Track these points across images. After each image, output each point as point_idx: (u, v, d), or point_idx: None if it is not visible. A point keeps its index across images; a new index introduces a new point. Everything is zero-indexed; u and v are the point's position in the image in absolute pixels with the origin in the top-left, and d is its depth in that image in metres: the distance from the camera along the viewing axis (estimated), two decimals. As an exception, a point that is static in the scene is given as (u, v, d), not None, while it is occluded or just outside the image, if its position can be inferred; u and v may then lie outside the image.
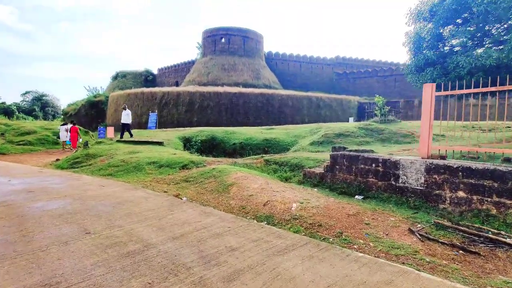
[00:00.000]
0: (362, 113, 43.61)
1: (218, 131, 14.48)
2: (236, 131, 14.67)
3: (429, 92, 4.59)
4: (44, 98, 78.19)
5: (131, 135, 13.08)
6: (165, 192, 6.22)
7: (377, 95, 17.47)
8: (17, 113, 60.22)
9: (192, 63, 58.01)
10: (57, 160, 11.13)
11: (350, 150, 9.47)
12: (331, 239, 3.47)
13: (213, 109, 32.34)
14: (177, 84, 55.82)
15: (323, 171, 6.15)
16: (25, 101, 76.76)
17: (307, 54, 57.57)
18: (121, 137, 13.00)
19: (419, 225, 3.82)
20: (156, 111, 19.83)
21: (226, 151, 13.42)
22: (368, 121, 16.56)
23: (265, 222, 4.15)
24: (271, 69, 51.11)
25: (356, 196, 5.21)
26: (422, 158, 4.71)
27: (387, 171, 4.99)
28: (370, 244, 3.30)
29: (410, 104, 43.63)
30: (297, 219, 4.08)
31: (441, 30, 10.01)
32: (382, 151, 9.25)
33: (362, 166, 5.35)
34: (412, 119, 32.61)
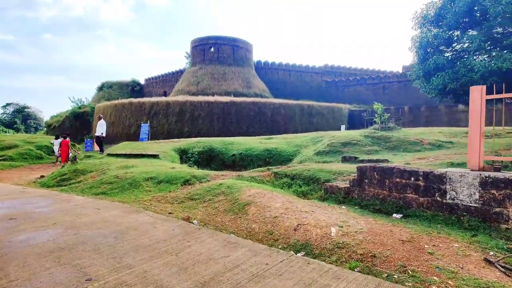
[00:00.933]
0: (353, 121, 43.63)
1: (216, 142, 13.75)
2: (234, 142, 13.97)
3: (478, 95, 4.05)
4: (26, 110, 75.58)
5: (102, 151, 12.06)
6: (170, 213, 5.45)
7: (376, 103, 17.16)
8: (-4, 126, 57.76)
9: (180, 72, 57.22)
10: (42, 177, 10.13)
11: (363, 160, 8.93)
12: (396, 276, 2.80)
13: (205, 118, 31.56)
14: (165, 94, 54.85)
15: (348, 186, 5.51)
16: (6, 113, 73.99)
17: (296, 63, 57.73)
18: (101, 151, 12.03)
19: (491, 253, 3.20)
20: (148, 122, 18.85)
21: (225, 163, 12.68)
22: (369, 129, 16.18)
23: (303, 253, 3.46)
24: (261, 78, 50.87)
25: (394, 215, 4.59)
26: (472, 170, 4.14)
27: (430, 185, 4.39)
28: (449, 282, 2.65)
29: (401, 112, 44.01)
30: (342, 248, 3.40)
31: (451, 34, 9.70)
32: (396, 160, 8.74)
33: (398, 180, 4.75)
34: (403, 126, 32.71)
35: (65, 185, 8.50)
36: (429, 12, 10.43)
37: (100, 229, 4.08)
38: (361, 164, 5.45)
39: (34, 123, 76.40)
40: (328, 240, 3.59)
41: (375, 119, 16.69)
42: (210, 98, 32.83)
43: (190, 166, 10.19)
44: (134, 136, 28.77)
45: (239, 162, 12.52)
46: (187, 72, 46.70)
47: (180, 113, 31.66)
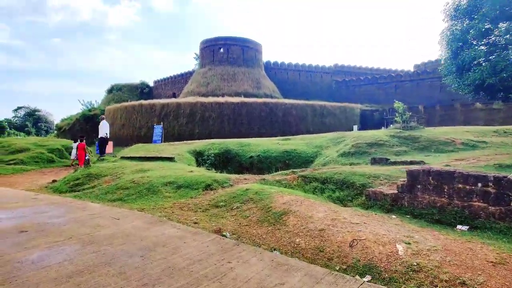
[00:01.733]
0: (365, 121, 42.71)
1: (232, 143, 13.20)
2: (251, 143, 13.41)
3: None
4: (36, 113, 76.40)
5: (103, 153, 11.50)
6: (195, 223, 4.90)
7: (397, 101, 16.40)
8: (8, 129, 58.36)
9: (189, 74, 57.01)
10: (54, 181, 9.72)
11: (395, 162, 8.26)
12: (506, 314, 2.18)
13: (215, 120, 31.09)
14: (174, 96, 54.67)
15: (396, 192, 4.88)
16: (17, 117, 74.86)
17: (305, 63, 57.00)
18: (102, 154, 11.50)
19: None
20: (161, 123, 18.42)
21: (243, 165, 12.13)
22: (390, 128, 15.44)
23: (369, 277, 2.85)
24: (270, 79, 50.28)
25: (459, 227, 3.95)
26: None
27: (504, 192, 3.75)
28: None
29: (414, 111, 42.91)
30: (418, 271, 2.79)
31: (488, 25, 8.98)
32: (433, 162, 8.05)
33: (461, 185, 4.11)
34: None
35: (78, 191, 8.04)
36: (462, 2, 9.72)
37: (123, 245, 3.54)
38: (411, 167, 4.81)
39: (44, 126, 77.17)
40: (398, 261, 2.97)
41: (395, 118, 15.94)
42: (221, 99, 32.38)
43: (208, 169, 9.66)
44: (145, 138, 28.46)
45: (257, 164, 11.95)
46: (197, 73, 46.40)
47: (190, 114, 31.27)
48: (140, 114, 33.85)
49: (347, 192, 6.17)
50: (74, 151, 14.33)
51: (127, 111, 35.40)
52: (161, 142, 16.40)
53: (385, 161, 8.35)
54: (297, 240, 3.75)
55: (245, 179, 7.77)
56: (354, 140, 11.34)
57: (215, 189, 6.99)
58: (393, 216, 4.49)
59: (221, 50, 45.26)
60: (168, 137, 28.79)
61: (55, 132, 60.93)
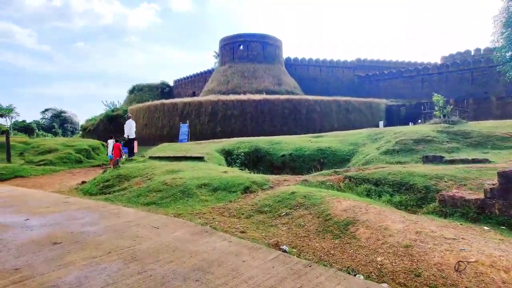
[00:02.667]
0: (390, 116, 41.00)
1: (261, 142, 12.59)
2: (281, 141, 12.75)
3: None
4: (62, 115, 78.88)
5: (132, 154, 11.16)
6: (242, 232, 4.32)
7: (436, 94, 15.22)
8: (37, 130, 60.49)
9: (208, 72, 56.95)
10: (83, 182, 9.46)
11: (453, 160, 7.35)
12: None
13: (237, 118, 30.64)
14: (194, 95, 54.76)
15: (482, 198, 4.09)
16: (45, 118, 77.58)
17: (326, 58, 55.56)
18: (131, 155, 11.16)
19: None
20: (187, 121, 18.09)
21: (274, 164, 11.49)
22: (429, 124, 14.32)
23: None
24: (290, 75, 49.30)
25: None
26: None
27: None
28: None
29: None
30: None
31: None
32: (499, 160, 7.11)
33: None
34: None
35: (109, 193, 7.67)
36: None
37: (171, 264, 2.98)
38: (505, 169, 3.99)
39: (70, 127, 79.58)
40: (537, 296, 2.24)
41: (435, 113, 14.80)
42: (243, 97, 31.88)
43: (241, 169, 9.08)
44: (167, 138, 28.39)
45: (289, 163, 11.29)
46: (217, 72, 46.16)
47: (212, 113, 30.97)
48: (162, 114, 33.92)
49: (408, 196, 5.39)
50: (110, 149, 14.14)
51: (149, 110, 35.59)
52: (187, 141, 16.03)
53: (439, 159, 7.47)
54: (379, 259, 3.06)
55: (285, 180, 7.14)
56: (396, 136, 10.44)
57: (255, 191, 6.40)
58: (485, 228, 3.71)
59: (241, 47, 44.76)
60: (190, 136, 28.62)
61: (80, 132, 62.64)
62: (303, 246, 3.69)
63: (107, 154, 14.51)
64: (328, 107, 33.10)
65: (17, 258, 3.23)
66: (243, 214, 5.25)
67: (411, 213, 4.66)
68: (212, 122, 30.67)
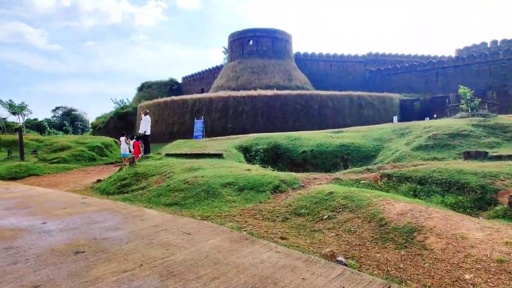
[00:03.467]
0: (404, 111, 39.98)
1: (280, 138, 12.07)
2: (301, 137, 12.20)
3: None
4: (73, 113, 79.50)
5: (148, 151, 10.78)
6: (283, 239, 3.85)
7: (463, 87, 14.43)
8: (48, 128, 61.06)
9: (217, 69, 56.48)
10: (99, 181, 9.09)
11: (499, 156, 6.72)
12: None
13: (248, 114, 30.11)
14: (202, 91, 54.40)
15: None
16: (56, 116, 78.28)
17: (337, 53, 54.54)
18: (147, 152, 10.76)
19: None
20: (202, 117, 17.67)
21: (294, 161, 10.97)
22: (454, 117, 13.57)
23: None
24: (301, 70, 48.46)
25: None
26: None
27: None
28: None
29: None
30: None
31: None
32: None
33: None
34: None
35: (126, 192, 7.26)
36: None
37: (216, 281, 2.50)
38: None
39: (80, 125, 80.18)
40: None
41: (462, 106, 14.04)
42: (254, 92, 31.33)
43: (264, 167, 8.58)
44: (178, 134, 28.08)
45: (310, 160, 10.75)
46: (226, 68, 45.64)
47: (223, 109, 30.51)
48: (172, 110, 33.61)
49: (463, 196, 4.82)
50: (124, 146, 13.86)
51: (159, 107, 35.31)
52: (202, 137, 15.60)
53: (483, 155, 6.85)
54: (467, 276, 2.53)
55: (315, 178, 6.61)
56: (427, 131, 9.79)
57: (285, 191, 5.90)
58: None
59: (250, 42, 44.10)
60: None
61: (91, 130, 63.00)
62: (361, 257, 3.17)
63: (124, 152, 14.22)
64: (341, 102, 32.34)
65: (36, 272, 2.79)
66: (277, 217, 4.75)
67: (473, 217, 4.09)
68: (223, 119, 30.23)
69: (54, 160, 12.50)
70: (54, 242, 3.60)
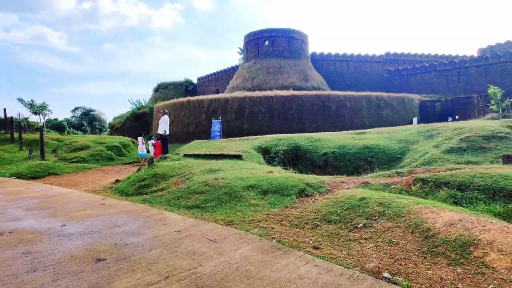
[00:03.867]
0: (424, 113, 38.76)
1: (300, 139, 11.72)
2: (321, 138, 11.82)
3: None
4: (91, 113, 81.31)
5: (166, 151, 10.64)
6: (315, 248, 3.56)
7: (493, 86, 13.69)
8: (67, 128, 62.66)
9: (232, 70, 56.49)
10: (117, 181, 9.00)
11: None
12: None
13: (265, 114, 29.82)
14: (217, 92, 54.53)
15: None
16: (75, 116, 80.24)
17: (354, 53, 53.51)
18: (165, 152, 10.62)
19: None
20: (220, 118, 17.50)
21: (315, 163, 10.60)
22: (484, 118, 12.85)
23: None
24: (316, 70, 47.80)
25: None
26: None
27: None
28: None
29: (487, 99, 38.13)
30: None
31: None
32: None
33: None
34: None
35: (145, 193, 7.10)
36: None
37: (253, 301, 2.21)
38: None
39: (98, 125, 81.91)
40: None
41: (491, 107, 13.31)
42: (270, 93, 31.03)
43: (286, 169, 8.27)
44: (194, 135, 28.08)
45: (332, 163, 10.36)
46: (242, 68, 45.51)
47: (239, 109, 30.34)
48: (188, 111, 33.72)
49: (511, 205, 4.37)
50: (141, 146, 13.88)
51: (175, 108, 35.51)
52: (220, 138, 15.41)
53: (527, 159, 6.30)
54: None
55: (342, 182, 6.25)
56: (457, 132, 9.24)
57: (311, 195, 5.57)
58: None
59: (266, 42, 43.81)
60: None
61: (108, 130, 64.22)
62: (409, 273, 2.82)
63: (142, 152, 14.26)
64: (359, 103, 31.61)
65: (55, 282, 2.59)
66: (306, 223, 4.44)
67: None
68: (239, 119, 30.06)
69: (74, 160, 12.58)
70: (74, 248, 3.41)
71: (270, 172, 7.26)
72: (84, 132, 67.91)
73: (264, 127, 29.12)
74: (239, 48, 54.13)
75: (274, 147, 11.11)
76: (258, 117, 29.79)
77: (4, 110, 19.58)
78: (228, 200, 5.69)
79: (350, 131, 14.48)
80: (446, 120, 35.32)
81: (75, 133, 57.73)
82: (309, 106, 29.92)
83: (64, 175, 10.92)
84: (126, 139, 16.51)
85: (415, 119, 33.98)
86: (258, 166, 8.17)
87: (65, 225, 4.41)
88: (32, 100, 19.61)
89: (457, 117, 37.49)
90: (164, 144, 10.63)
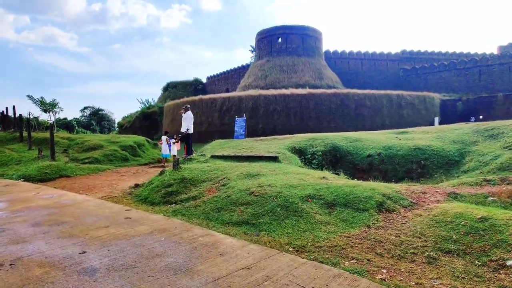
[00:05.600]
0: (445, 113, 37.04)
1: (337, 139, 10.48)
2: (361, 138, 10.57)
3: None
4: (100, 112, 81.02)
5: (191, 152, 9.52)
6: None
7: None
8: (77, 127, 62.22)
9: (242, 69, 55.38)
10: (137, 185, 7.88)
11: None
12: None
13: (280, 113, 28.57)
14: (227, 91, 53.41)
15: None
16: (84, 116, 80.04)
17: (368, 51, 51.91)
18: (189, 153, 9.48)
19: None
20: (244, 115, 16.31)
21: (357, 166, 9.36)
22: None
23: None
24: (330, 69, 46.38)
25: None
26: None
27: None
28: None
29: (510, 99, 36.36)
30: None
31: None
32: None
33: None
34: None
35: (175, 202, 5.94)
36: None
37: None
38: None
39: (107, 124, 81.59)
40: None
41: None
42: (286, 91, 29.78)
43: (337, 173, 7.05)
44: (206, 134, 26.94)
45: (378, 166, 9.10)
46: (254, 66, 44.30)
47: (253, 108, 29.14)
48: (200, 110, 32.64)
49: None
50: (165, 146, 12.83)
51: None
52: (244, 137, 14.25)
53: None
54: None
55: (424, 192, 5.00)
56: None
57: (394, 210, 4.35)
58: None
59: (279, 40, 42.52)
60: (230, 133, 27.02)
61: (117, 129, 63.64)
62: None
63: (165, 152, 13.32)
64: (379, 101, 30.17)
65: None
66: (414, 254, 3.22)
67: None
68: (253, 118, 28.84)
69: (86, 160, 11.53)
70: (103, 298, 2.25)
71: (324, 178, 6.04)
72: (93, 131, 67.50)
73: (279, 126, 27.88)
74: (251, 46, 52.98)
75: (310, 148, 9.89)
76: (274, 116, 28.56)
77: (13, 107, 18.74)
78: (286, 215, 4.50)
79: (389, 131, 13.17)
80: (468, 120, 33.66)
81: (84, 132, 57.16)
82: (327, 105, 28.58)
83: (77, 178, 9.86)
84: (141, 138, 15.45)
85: (436, 119, 32.40)
86: (303, 170, 6.96)
87: (85, 252, 3.27)
88: (42, 97, 18.74)
89: (481, 117, 35.77)
90: (188, 143, 9.51)
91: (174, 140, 13.37)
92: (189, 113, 9.47)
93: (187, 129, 9.34)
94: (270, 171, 6.86)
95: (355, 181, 5.62)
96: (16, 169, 10.78)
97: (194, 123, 30.92)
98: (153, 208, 5.84)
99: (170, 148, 13.10)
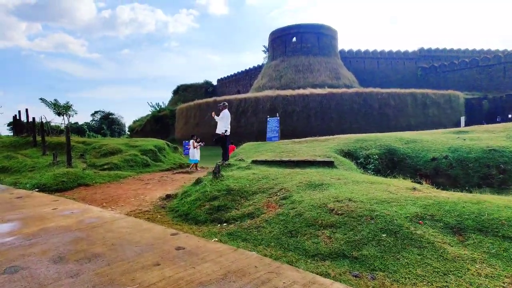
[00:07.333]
0: (471, 112, 35.19)
1: (391, 140, 9.18)
2: (416, 139, 9.25)
3: None
4: (110, 116, 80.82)
5: (227, 157, 8.28)
6: None
7: None
8: (88, 131, 61.89)
9: (254, 70, 54.33)
10: (168, 196, 6.71)
11: None
12: None
13: (300, 114, 27.29)
14: (238, 93, 52.37)
15: None
16: (94, 120, 79.91)
17: (384, 49, 50.31)
18: (226, 159, 8.25)
19: None
20: (277, 115, 15.08)
21: (420, 171, 8.03)
22: None
23: None
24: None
25: None
26: None
27: None
28: None
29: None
30: None
31: None
32: None
33: None
34: None
35: (226, 221, 4.73)
36: None
37: None
38: None
39: (117, 128, 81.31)
40: None
41: None
42: (305, 91, 28.51)
43: (399, 178, 5.75)
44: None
45: (445, 171, 7.77)
46: (267, 67, 43.16)
47: (271, 109, 27.91)
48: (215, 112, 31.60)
49: None
50: (192, 151, 11.78)
51: (200, 109, 33.53)
52: (278, 139, 13.03)
53: None
54: None
55: None
56: None
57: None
58: None
59: (294, 39, 41.33)
60: (246, 135, 25.79)
61: (128, 133, 63.14)
62: None
63: (192, 157, 12.36)
64: (403, 101, 28.66)
65: None
66: None
67: None
68: (271, 120, 27.58)
69: (105, 166, 10.45)
70: None
71: (414, 189, 4.76)
72: (104, 135, 67.10)
73: (299, 128, 26.59)
74: (264, 47, 51.94)
75: (360, 151, 8.62)
76: (293, 117, 27.30)
77: (26, 110, 17.93)
78: (399, 245, 3.25)
79: (445, 130, 11.80)
80: (495, 120, 31.85)
81: (95, 137, 56.65)
82: (349, 105, 27.21)
83: (97, 186, 8.76)
84: (161, 142, 14.37)
85: (462, 119, 30.66)
86: (376, 179, 5.69)
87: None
88: (55, 100, 17.93)
89: (510, 115, 33.86)
90: (225, 147, 8.33)
91: (201, 143, 12.27)
92: (226, 111, 8.30)
93: (226, 130, 8.16)
94: (334, 179, 5.61)
95: (470, 195, 4.32)
96: (30, 177, 9.77)
97: (209, 125, 29.65)
98: (199, 228, 4.65)
99: (191, 151, 12.05)
